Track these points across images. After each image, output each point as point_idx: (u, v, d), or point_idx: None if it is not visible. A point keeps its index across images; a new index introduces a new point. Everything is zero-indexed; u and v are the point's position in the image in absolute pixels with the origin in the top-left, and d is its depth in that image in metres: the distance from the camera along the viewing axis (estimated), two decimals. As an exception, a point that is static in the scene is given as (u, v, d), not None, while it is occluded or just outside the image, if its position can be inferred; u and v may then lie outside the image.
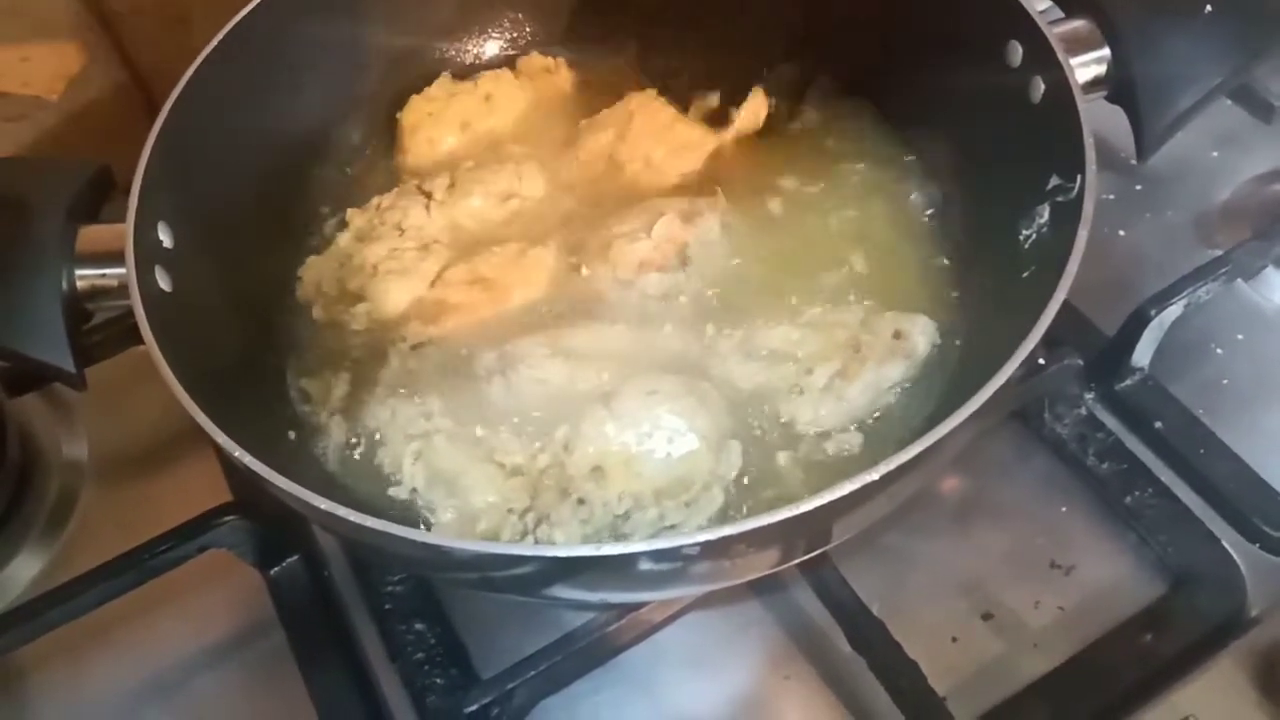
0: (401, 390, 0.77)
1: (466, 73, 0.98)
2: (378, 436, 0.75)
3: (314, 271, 0.86)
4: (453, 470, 0.72)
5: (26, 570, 0.86)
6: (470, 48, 1.01)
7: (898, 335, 0.75)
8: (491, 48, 1.01)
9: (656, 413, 0.71)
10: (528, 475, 0.72)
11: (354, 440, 0.76)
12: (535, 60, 0.98)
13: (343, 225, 0.88)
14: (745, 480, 0.72)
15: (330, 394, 0.79)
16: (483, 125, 0.94)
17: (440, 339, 0.80)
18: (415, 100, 0.94)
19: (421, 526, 0.71)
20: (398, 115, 0.93)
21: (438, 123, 0.93)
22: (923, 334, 0.75)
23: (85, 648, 0.81)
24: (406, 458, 0.73)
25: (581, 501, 0.69)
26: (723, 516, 0.70)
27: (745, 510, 0.70)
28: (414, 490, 0.73)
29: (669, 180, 0.88)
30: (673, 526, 0.69)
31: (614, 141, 0.90)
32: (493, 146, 0.93)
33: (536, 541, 0.68)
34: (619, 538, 0.69)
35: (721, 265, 0.82)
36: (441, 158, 0.92)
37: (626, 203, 0.86)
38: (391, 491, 0.73)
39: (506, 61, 0.99)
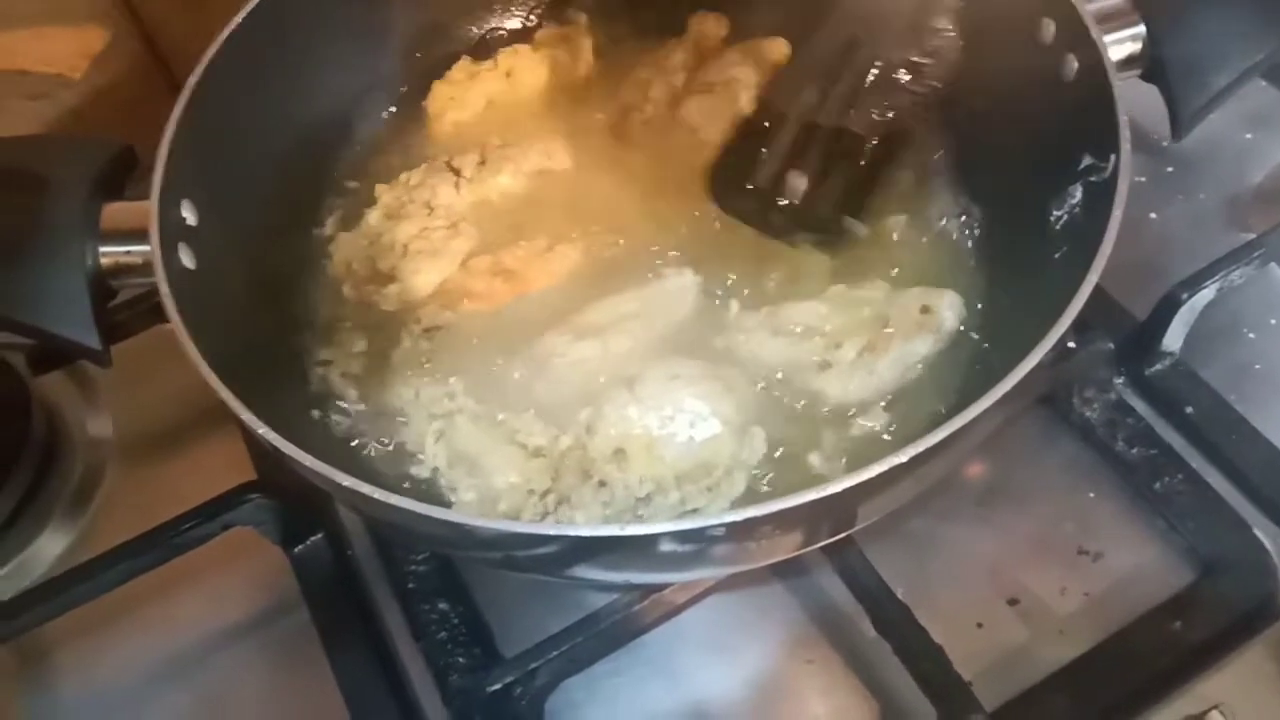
0: (424, 370, 0.77)
1: (487, 48, 0.97)
2: (401, 415, 0.75)
3: (344, 249, 0.85)
4: (475, 450, 0.72)
5: (51, 547, 0.86)
6: (489, 22, 1.00)
7: (925, 310, 0.74)
8: (511, 21, 1.00)
9: (679, 396, 0.71)
10: (549, 457, 0.71)
11: (376, 419, 0.76)
12: (552, 31, 0.97)
13: (370, 202, 0.87)
14: (769, 465, 0.71)
15: (355, 372, 0.79)
16: (507, 102, 0.94)
17: (454, 324, 0.79)
18: (438, 86, 0.93)
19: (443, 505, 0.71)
20: (424, 103, 0.93)
21: (462, 105, 0.93)
22: (950, 309, 0.74)
23: (109, 625, 0.81)
24: (429, 437, 0.73)
25: (603, 484, 0.69)
26: (746, 502, 0.69)
27: (769, 494, 0.69)
28: (435, 469, 0.73)
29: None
30: (694, 511, 0.68)
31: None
32: (519, 123, 0.92)
33: (557, 523, 0.68)
34: (639, 521, 0.68)
35: (745, 246, 0.81)
36: (470, 137, 0.92)
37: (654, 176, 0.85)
38: (413, 470, 0.73)
39: (525, 35, 0.98)
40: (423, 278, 0.81)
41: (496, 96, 0.94)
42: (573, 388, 0.74)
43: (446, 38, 0.98)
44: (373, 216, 0.86)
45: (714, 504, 0.69)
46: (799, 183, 0.83)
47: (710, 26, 0.94)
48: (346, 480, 0.55)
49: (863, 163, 0.84)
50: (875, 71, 0.85)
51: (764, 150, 0.85)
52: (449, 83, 0.94)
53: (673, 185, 0.86)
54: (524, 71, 0.94)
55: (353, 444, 0.75)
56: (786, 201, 0.83)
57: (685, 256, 0.81)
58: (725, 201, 0.84)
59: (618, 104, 0.92)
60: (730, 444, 0.70)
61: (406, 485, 0.73)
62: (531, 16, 1.00)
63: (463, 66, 0.95)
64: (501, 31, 1.00)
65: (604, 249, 0.83)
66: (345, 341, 0.81)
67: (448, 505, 0.71)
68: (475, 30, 1.00)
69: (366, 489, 0.54)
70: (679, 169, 0.87)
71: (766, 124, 0.87)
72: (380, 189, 0.87)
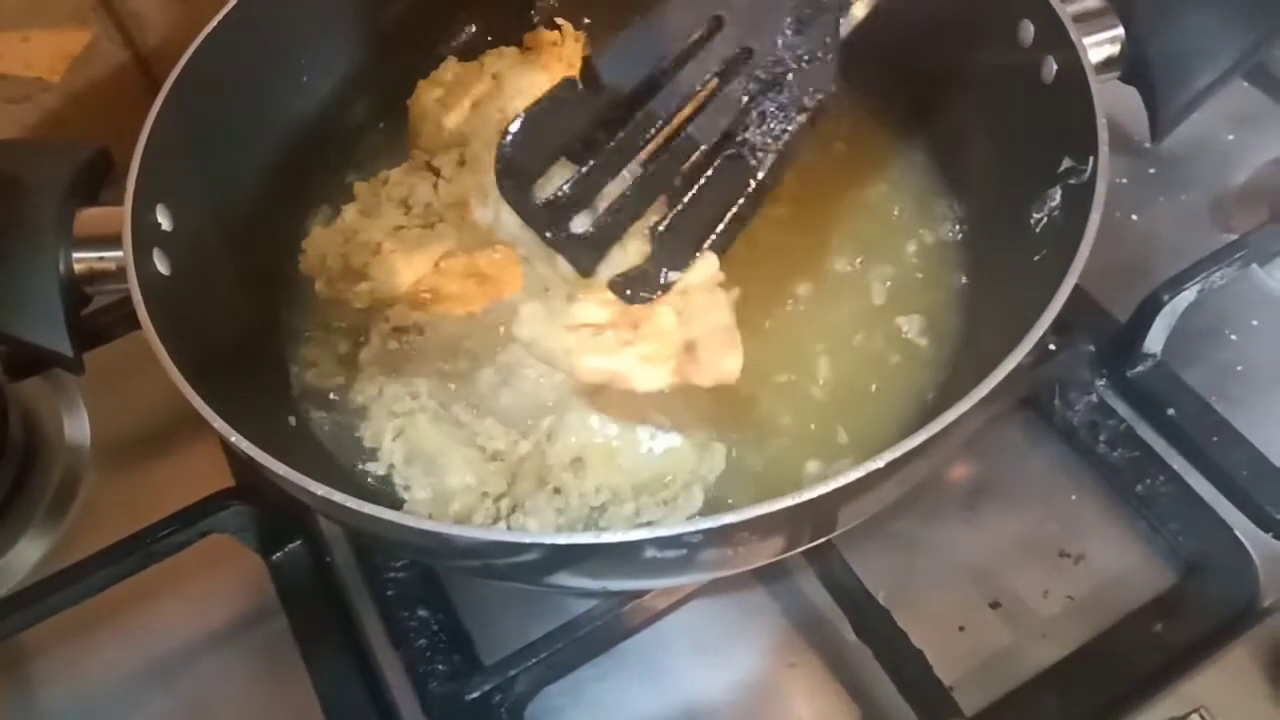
0: (391, 369, 0.77)
1: (473, 50, 0.96)
2: (363, 411, 0.75)
3: (318, 244, 0.84)
4: (432, 450, 0.72)
5: (29, 554, 0.86)
6: (476, 23, 0.99)
7: None
8: (497, 23, 0.99)
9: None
10: (507, 461, 0.71)
11: (340, 416, 0.76)
12: (542, 35, 0.96)
13: (347, 202, 0.86)
14: (729, 481, 0.71)
15: (328, 372, 0.78)
16: (493, 105, 0.92)
17: (424, 324, 0.79)
18: (422, 85, 0.92)
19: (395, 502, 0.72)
20: (407, 102, 0.92)
21: (446, 106, 0.91)
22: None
23: (88, 632, 0.81)
24: (387, 434, 0.73)
25: (558, 491, 0.69)
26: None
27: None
28: (391, 466, 0.73)
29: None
30: (649, 524, 0.68)
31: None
32: (503, 126, 0.91)
33: (509, 528, 0.68)
34: (594, 530, 0.68)
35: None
36: (452, 139, 0.91)
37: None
38: (369, 466, 0.74)
39: (514, 38, 0.98)
40: (395, 276, 0.81)
41: (482, 99, 0.93)
42: (539, 397, 0.73)
43: (431, 40, 0.97)
44: (349, 213, 0.85)
45: (670, 517, 0.69)
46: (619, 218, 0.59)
47: None
48: (319, 489, 0.54)
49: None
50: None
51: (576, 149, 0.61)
52: (434, 82, 0.93)
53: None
54: (511, 75, 0.93)
55: (326, 446, 0.75)
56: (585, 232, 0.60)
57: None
58: (512, 197, 0.60)
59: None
60: (690, 457, 0.70)
61: (360, 481, 0.73)
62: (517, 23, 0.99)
63: (449, 67, 0.94)
64: (487, 36, 0.99)
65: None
66: (322, 342, 0.80)
67: (400, 502, 0.72)
68: (460, 32, 0.99)
69: (338, 498, 0.54)
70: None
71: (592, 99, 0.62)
72: (358, 186, 0.87)
